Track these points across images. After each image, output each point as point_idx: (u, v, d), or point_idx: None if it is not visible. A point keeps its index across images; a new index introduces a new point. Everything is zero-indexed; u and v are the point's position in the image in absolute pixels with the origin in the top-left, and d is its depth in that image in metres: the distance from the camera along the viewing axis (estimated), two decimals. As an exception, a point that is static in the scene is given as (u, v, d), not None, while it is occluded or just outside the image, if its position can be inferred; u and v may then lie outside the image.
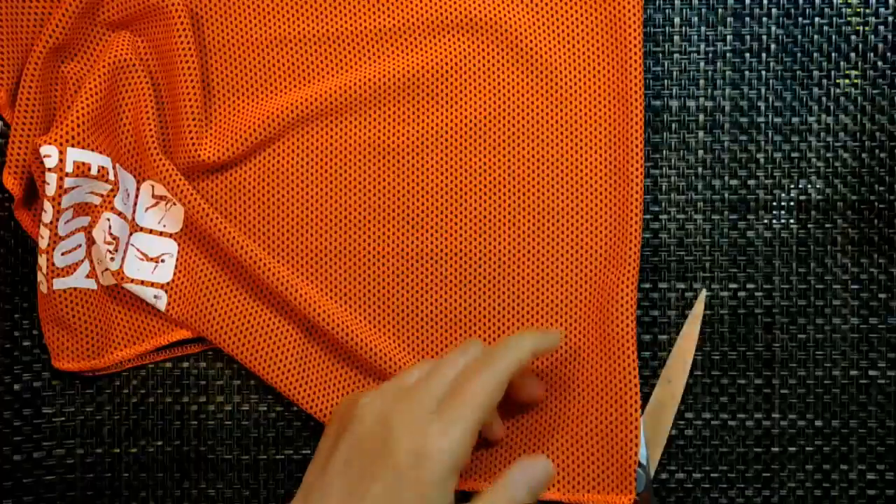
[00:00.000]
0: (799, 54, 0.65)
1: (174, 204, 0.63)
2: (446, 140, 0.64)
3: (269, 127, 0.64)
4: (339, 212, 0.65)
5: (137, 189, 0.63)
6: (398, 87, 0.64)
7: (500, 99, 0.64)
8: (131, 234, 0.63)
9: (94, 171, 0.61)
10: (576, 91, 0.64)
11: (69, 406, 0.66)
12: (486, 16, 0.64)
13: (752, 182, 0.65)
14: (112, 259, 0.62)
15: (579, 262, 0.64)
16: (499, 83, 0.64)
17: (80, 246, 0.63)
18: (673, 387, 0.64)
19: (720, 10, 0.65)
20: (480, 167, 0.64)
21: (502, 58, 0.64)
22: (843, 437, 0.65)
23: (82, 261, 0.63)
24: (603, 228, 0.64)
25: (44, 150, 0.60)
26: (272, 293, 0.64)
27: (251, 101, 0.65)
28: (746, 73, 0.65)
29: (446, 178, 0.64)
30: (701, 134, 0.65)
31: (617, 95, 0.64)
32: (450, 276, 0.64)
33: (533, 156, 0.64)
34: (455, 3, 0.64)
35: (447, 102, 0.64)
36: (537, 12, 0.64)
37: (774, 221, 0.65)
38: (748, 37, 0.65)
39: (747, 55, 0.65)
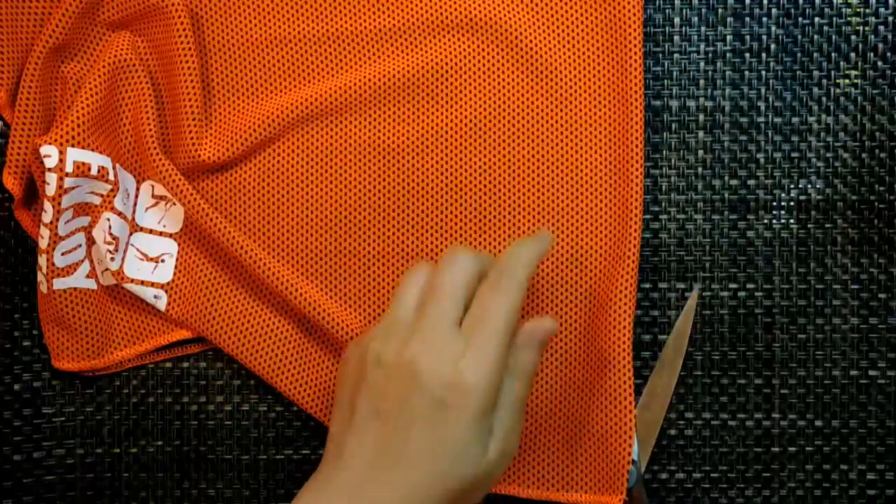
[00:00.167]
0: (799, 54, 0.65)
1: (174, 204, 0.63)
2: (446, 140, 0.64)
3: (270, 127, 0.64)
4: (339, 212, 0.65)
5: (137, 189, 0.63)
6: (398, 87, 0.64)
7: (500, 99, 0.64)
8: (131, 234, 0.63)
9: (94, 171, 0.61)
10: (576, 91, 0.64)
11: (69, 406, 0.66)
12: (486, 16, 0.64)
13: (752, 182, 0.65)
14: (112, 259, 0.62)
15: (579, 261, 0.64)
16: (499, 83, 0.64)
17: (80, 246, 0.63)
18: (664, 382, 0.64)
19: (720, 10, 0.65)
20: (480, 167, 0.64)
21: (502, 58, 0.64)
22: (843, 437, 0.65)
23: (82, 261, 0.63)
24: (603, 228, 0.64)
25: (44, 150, 0.60)
26: (272, 293, 0.64)
27: (251, 101, 0.65)
28: (746, 73, 0.65)
29: (446, 178, 0.64)
30: (701, 134, 0.65)
31: (617, 95, 0.64)
32: (450, 276, 0.64)
33: (533, 156, 0.64)
34: (455, 3, 0.64)
35: (447, 102, 0.64)
36: (537, 12, 0.64)
37: (774, 221, 0.65)
38: (748, 37, 0.65)
39: (747, 55, 0.65)
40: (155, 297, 0.63)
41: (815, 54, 0.64)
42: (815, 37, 0.64)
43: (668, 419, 0.65)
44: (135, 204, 0.63)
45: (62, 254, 0.62)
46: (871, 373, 0.65)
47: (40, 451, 0.66)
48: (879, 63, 0.64)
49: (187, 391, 0.66)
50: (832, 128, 0.64)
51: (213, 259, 0.64)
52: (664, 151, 0.65)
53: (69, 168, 0.60)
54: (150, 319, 0.65)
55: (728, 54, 0.65)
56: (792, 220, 0.65)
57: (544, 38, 0.64)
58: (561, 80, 0.64)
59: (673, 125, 0.65)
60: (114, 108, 0.63)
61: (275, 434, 0.66)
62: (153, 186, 0.63)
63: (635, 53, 0.63)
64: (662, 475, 0.65)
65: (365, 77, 0.64)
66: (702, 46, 0.65)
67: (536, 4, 0.64)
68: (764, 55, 0.65)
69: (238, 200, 0.65)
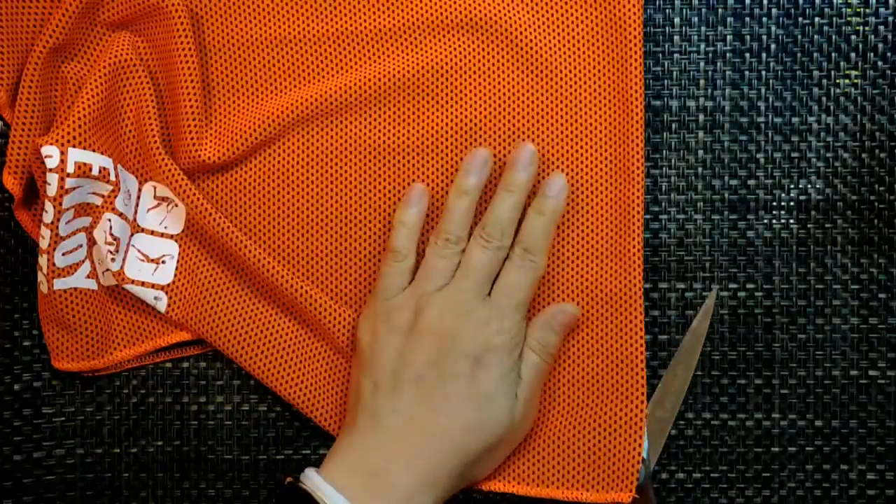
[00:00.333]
0: (799, 54, 0.65)
1: (176, 205, 0.63)
2: (446, 140, 0.64)
3: (270, 127, 0.64)
4: (339, 212, 0.65)
5: (139, 190, 0.63)
6: (398, 87, 0.64)
7: (500, 99, 0.64)
8: (132, 234, 0.63)
9: (95, 172, 0.61)
10: (576, 91, 0.64)
11: (69, 406, 0.66)
12: (486, 16, 0.64)
13: (752, 182, 0.65)
14: (113, 260, 0.61)
15: (579, 261, 0.64)
16: (499, 83, 0.64)
17: (81, 246, 0.63)
18: (679, 380, 0.64)
19: (720, 10, 0.65)
20: (481, 167, 0.64)
21: (502, 58, 0.64)
22: (843, 437, 0.65)
23: (83, 261, 0.63)
24: (603, 228, 0.64)
25: (45, 150, 0.60)
26: (273, 295, 0.64)
27: (251, 101, 0.65)
28: (746, 73, 0.65)
29: (446, 178, 0.64)
30: (701, 134, 0.65)
31: (617, 95, 0.64)
32: (450, 277, 0.64)
33: (533, 156, 0.64)
34: (455, 3, 0.64)
35: (447, 102, 0.64)
36: (537, 12, 0.64)
37: (774, 221, 0.65)
38: (748, 37, 0.65)
39: (747, 55, 0.65)
40: (155, 298, 0.63)
41: (815, 54, 0.65)
42: (815, 37, 0.65)
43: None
44: (136, 205, 0.63)
45: (63, 254, 0.62)
46: (871, 373, 0.65)
47: (40, 451, 0.66)
48: (879, 63, 0.64)
49: (187, 391, 0.66)
50: (832, 128, 0.65)
51: (214, 261, 0.64)
52: (664, 151, 0.65)
53: (70, 168, 0.60)
54: (151, 320, 0.65)
55: (728, 54, 0.65)
56: (792, 220, 0.65)
57: (544, 38, 0.64)
58: (561, 80, 0.64)
59: (673, 125, 0.65)
60: (115, 108, 0.63)
61: (275, 434, 0.66)
62: (155, 188, 0.63)
63: (635, 53, 0.63)
64: (663, 475, 0.65)
65: (365, 77, 0.64)
66: (702, 46, 0.65)
67: (536, 4, 0.64)
68: (764, 55, 0.65)
69: (238, 200, 0.65)
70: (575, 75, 0.64)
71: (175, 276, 0.64)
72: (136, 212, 0.63)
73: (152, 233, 0.64)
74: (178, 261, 0.64)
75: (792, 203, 0.65)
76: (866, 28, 0.64)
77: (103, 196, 0.62)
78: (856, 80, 0.64)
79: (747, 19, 0.65)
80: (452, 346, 0.59)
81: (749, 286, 0.65)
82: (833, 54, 0.64)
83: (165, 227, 0.64)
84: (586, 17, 0.64)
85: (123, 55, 0.62)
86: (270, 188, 0.65)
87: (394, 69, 0.64)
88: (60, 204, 0.60)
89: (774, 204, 0.65)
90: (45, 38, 0.62)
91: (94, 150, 0.61)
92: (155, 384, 0.66)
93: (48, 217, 0.60)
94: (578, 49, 0.64)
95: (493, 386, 0.59)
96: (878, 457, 0.65)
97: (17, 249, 0.66)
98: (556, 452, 0.63)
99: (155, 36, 0.63)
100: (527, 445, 0.63)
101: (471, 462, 0.59)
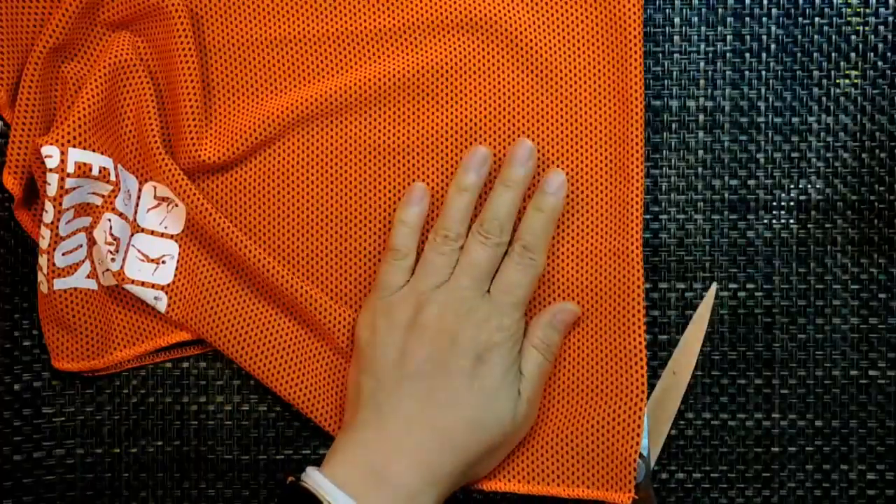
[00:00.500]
0: (799, 54, 0.65)
1: (176, 205, 0.63)
2: (446, 140, 0.64)
3: (270, 127, 0.64)
4: (339, 212, 0.65)
5: (139, 190, 0.63)
6: (398, 87, 0.64)
7: (500, 99, 0.64)
8: (132, 234, 0.63)
9: (95, 172, 0.61)
10: (576, 91, 0.64)
11: (69, 406, 0.66)
12: (486, 16, 0.64)
13: (752, 182, 0.65)
14: (113, 260, 0.61)
15: (579, 260, 0.64)
16: (499, 83, 0.64)
17: (81, 246, 0.63)
18: (678, 378, 0.64)
19: (720, 10, 0.65)
20: (481, 167, 0.64)
21: (502, 58, 0.64)
22: (843, 437, 0.65)
23: (83, 261, 0.63)
24: (603, 228, 0.64)
25: (45, 150, 0.60)
26: (273, 295, 0.64)
27: (251, 101, 0.65)
28: (746, 73, 0.65)
29: (446, 177, 0.64)
30: (701, 134, 0.65)
31: (617, 95, 0.64)
32: (450, 276, 0.64)
33: (533, 156, 0.64)
34: (455, 3, 0.64)
35: (447, 102, 0.64)
36: (537, 12, 0.64)
37: (774, 221, 0.65)
38: (748, 37, 0.65)
39: (747, 55, 0.65)
40: (155, 298, 0.63)
41: (815, 54, 0.65)
42: (815, 37, 0.65)
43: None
44: (136, 205, 0.63)
45: (63, 254, 0.62)
46: (871, 373, 0.65)
47: (40, 451, 0.66)
48: (879, 63, 0.64)
49: (187, 391, 0.66)
50: (832, 128, 0.65)
51: (214, 261, 0.64)
52: (664, 151, 0.65)
53: (70, 168, 0.60)
54: (151, 320, 0.65)
55: (728, 54, 0.65)
56: (792, 220, 0.65)
57: (544, 38, 0.64)
58: (561, 80, 0.64)
59: (673, 125, 0.65)
60: (115, 108, 0.63)
61: (275, 434, 0.66)
62: (155, 188, 0.63)
63: (635, 53, 0.63)
64: (663, 475, 0.65)
65: (365, 77, 0.64)
66: (702, 46, 0.65)
67: (536, 4, 0.64)
68: (764, 55, 0.65)
69: (238, 200, 0.65)
70: (575, 75, 0.64)
71: (175, 276, 0.64)
72: (136, 212, 0.63)
73: (152, 233, 0.64)
74: (178, 261, 0.64)
75: (792, 203, 0.65)
76: (866, 28, 0.64)
77: (103, 196, 0.62)
78: (856, 80, 0.64)
79: (747, 19, 0.65)
80: (453, 343, 0.60)
81: (749, 286, 0.65)
82: (833, 54, 0.64)
83: (165, 227, 0.64)
84: (586, 17, 0.64)
85: (123, 55, 0.62)
86: (270, 188, 0.65)
87: (394, 69, 0.64)
88: (60, 204, 0.60)
89: (774, 204, 0.65)
90: (45, 38, 0.62)
91: (94, 150, 0.61)
92: (155, 384, 0.66)
93: (48, 217, 0.60)
94: (578, 49, 0.64)
95: (494, 383, 0.60)
96: (878, 457, 0.65)
97: (17, 249, 0.66)
98: (556, 450, 0.63)
99: (155, 36, 0.63)
100: (527, 444, 0.63)
101: (473, 460, 0.59)
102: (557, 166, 0.64)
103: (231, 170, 0.65)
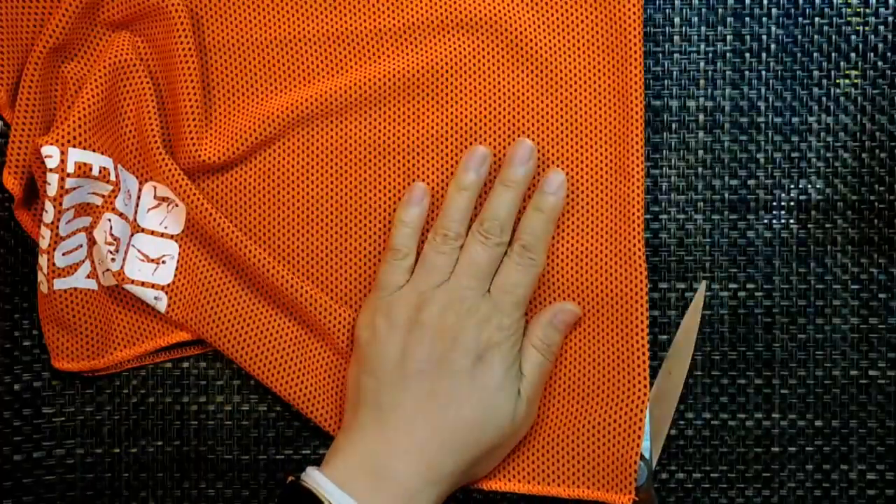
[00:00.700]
0: (799, 54, 0.65)
1: (176, 205, 0.63)
2: (446, 139, 0.64)
3: (270, 127, 0.64)
4: (339, 212, 0.65)
5: (139, 190, 0.63)
6: (398, 87, 0.64)
7: (500, 99, 0.64)
8: (132, 234, 0.63)
9: (95, 172, 0.61)
10: (576, 91, 0.64)
11: (69, 406, 0.66)
12: (486, 16, 0.64)
13: (752, 182, 0.65)
14: (113, 260, 0.61)
15: (580, 260, 0.64)
16: (499, 83, 0.64)
17: (81, 246, 0.63)
18: (674, 378, 0.64)
19: (720, 10, 0.65)
20: (481, 167, 0.64)
21: (502, 58, 0.64)
22: (843, 437, 0.65)
23: (83, 261, 0.63)
24: (604, 228, 0.64)
25: (45, 150, 0.60)
26: (273, 295, 0.64)
27: (251, 101, 0.65)
28: (746, 73, 0.65)
29: (446, 177, 0.64)
30: (701, 134, 0.65)
31: (617, 95, 0.64)
32: (450, 276, 0.64)
33: (533, 156, 0.64)
34: (455, 3, 0.64)
35: (447, 102, 0.64)
36: (537, 12, 0.64)
37: (774, 221, 0.65)
38: (748, 37, 0.65)
39: (747, 55, 0.65)
40: (155, 298, 0.63)
41: (815, 54, 0.65)
42: (815, 37, 0.65)
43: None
44: (136, 205, 0.63)
45: (63, 254, 0.62)
46: (871, 373, 0.65)
47: (40, 451, 0.66)
48: (879, 63, 0.64)
49: (187, 391, 0.66)
50: (832, 128, 0.65)
51: (215, 261, 0.64)
52: (664, 151, 0.65)
53: (70, 168, 0.60)
54: (151, 320, 0.65)
55: (728, 54, 0.65)
56: (792, 220, 0.65)
57: (544, 38, 0.64)
58: (561, 79, 0.64)
59: (673, 125, 0.65)
60: (115, 108, 0.63)
61: (275, 434, 0.66)
62: (155, 188, 0.63)
63: (635, 53, 0.63)
64: (663, 475, 0.65)
65: (365, 77, 0.64)
66: (702, 46, 0.65)
67: (536, 4, 0.64)
68: (764, 55, 0.65)
69: (238, 200, 0.65)
70: (575, 75, 0.64)
71: (175, 276, 0.64)
72: (136, 212, 0.63)
73: (152, 233, 0.64)
74: (178, 261, 0.64)
75: (792, 203, 0.65)
76: (866, 28, 0.64)
77: (103, 196, 0.62)
78: (856, 80, 0.64)
79: (747, 19, 0.65)
80: (454, 343, 0.60)
81: (749, 286, 0.65)
82: (833, 54, 0.64)
83: (165, 227, 0.64)
84: (586, 18, 0.64)
85: (123, 55, 0.62)
86: (270, 188, 0.65)
87: (394, 69, 0.64)
88: (60, 204, 0.60)
89: (774, 204, 0.65)
90: (45, 38, 0.62)
91: (94, 150, 0.61)
92: (155, 384, 0.66)
93: (48, 217, 0.60)
94: (578, 49, 0.64)
95: (495, 383, 0.60)
96: (878, 457, 0.65)
97: (17, 249, 0.66)
98: (556, 450, 0.63)
99: (155, 36, 0.63)
100: (527, 443, 0.64)
101: (473, 459, 0.59)
102: (557, 166, 0.64)
103: (231, 170, 0.65)
